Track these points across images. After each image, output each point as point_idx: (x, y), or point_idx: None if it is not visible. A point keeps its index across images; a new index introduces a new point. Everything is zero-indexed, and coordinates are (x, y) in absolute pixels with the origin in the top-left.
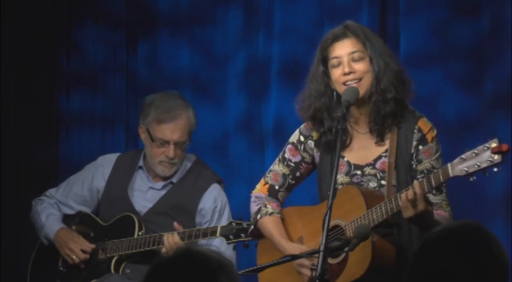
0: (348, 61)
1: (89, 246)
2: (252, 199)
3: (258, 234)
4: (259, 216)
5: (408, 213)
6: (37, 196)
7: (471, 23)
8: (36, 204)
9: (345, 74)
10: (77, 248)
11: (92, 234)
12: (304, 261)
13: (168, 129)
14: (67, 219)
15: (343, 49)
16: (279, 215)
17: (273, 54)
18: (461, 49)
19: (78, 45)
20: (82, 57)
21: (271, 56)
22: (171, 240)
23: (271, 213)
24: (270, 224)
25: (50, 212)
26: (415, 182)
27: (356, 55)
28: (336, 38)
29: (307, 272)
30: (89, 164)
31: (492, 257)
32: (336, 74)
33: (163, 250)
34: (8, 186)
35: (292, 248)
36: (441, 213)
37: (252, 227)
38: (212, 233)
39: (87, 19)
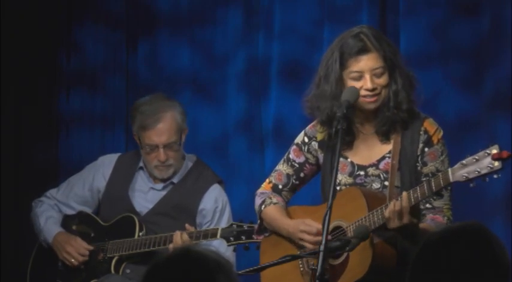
0: (370, 77)
1: (86, 249)
2: (257, 195)
3: (265, 229)
4: (263, 206)
5: (392, 224)
6: (37, 196)
7: (471, 23)
8: (36, 206)
9: (367, 89)
10: (74, 251)
11: (92, 235)
12: (311, 226)
13: (154, 134)
14: (67, 219)
15: (367, 64)
16: (283, 206)
17: (273, 54)
18: (461, 49)
19: (78, 45)
20: (82, 57)
21: (271, 56)
22: (181, 239)
23: (275, 203)
24: (274, 210)
25: (49, 215)
26: (403, 194)
27: (378, 71)
28: (359, 52)
29: (309, 238)
30: (90, 164)
31: (494, 258)
32: (356, 86)
33: (171, 246)
34: (8, 186)
35: (296, 223)
36: (437, 219)
37: (258, 222)
38: (213, 235)
39: (87, 19)
